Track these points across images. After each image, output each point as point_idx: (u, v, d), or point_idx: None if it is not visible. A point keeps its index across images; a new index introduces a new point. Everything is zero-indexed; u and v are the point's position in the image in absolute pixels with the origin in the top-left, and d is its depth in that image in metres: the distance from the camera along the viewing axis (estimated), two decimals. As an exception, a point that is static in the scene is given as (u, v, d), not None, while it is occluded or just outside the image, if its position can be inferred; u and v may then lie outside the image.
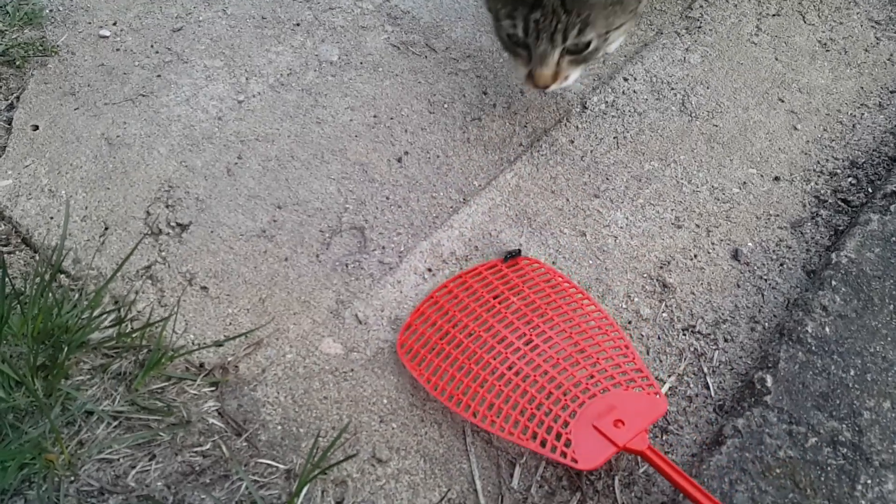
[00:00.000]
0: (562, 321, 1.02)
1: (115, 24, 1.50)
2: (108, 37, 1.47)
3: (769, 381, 0.94)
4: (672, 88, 1.35)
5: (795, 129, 1.30)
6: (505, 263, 1.10)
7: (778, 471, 0.87)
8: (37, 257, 1.11)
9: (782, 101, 1.34)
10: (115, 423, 0.91)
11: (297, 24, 1.50)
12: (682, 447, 0.93)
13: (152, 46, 1.46)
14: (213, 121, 1.32)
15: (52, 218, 1.17)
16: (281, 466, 0.91)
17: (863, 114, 1.32)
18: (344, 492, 0.90)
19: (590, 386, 0.94)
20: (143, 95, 1.36)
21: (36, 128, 1.30)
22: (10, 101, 1.34)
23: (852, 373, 0.95)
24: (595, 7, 1.08)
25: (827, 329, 0.99)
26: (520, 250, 1.11)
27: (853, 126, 1.30)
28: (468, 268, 1.11)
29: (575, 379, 0.95)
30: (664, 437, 0.94)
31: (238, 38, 1.47)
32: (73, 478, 0.85)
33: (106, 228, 1.16)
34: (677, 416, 0.96)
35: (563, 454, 0.86)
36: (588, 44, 1.12)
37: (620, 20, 1.14)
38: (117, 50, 1.45)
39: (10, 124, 1.30)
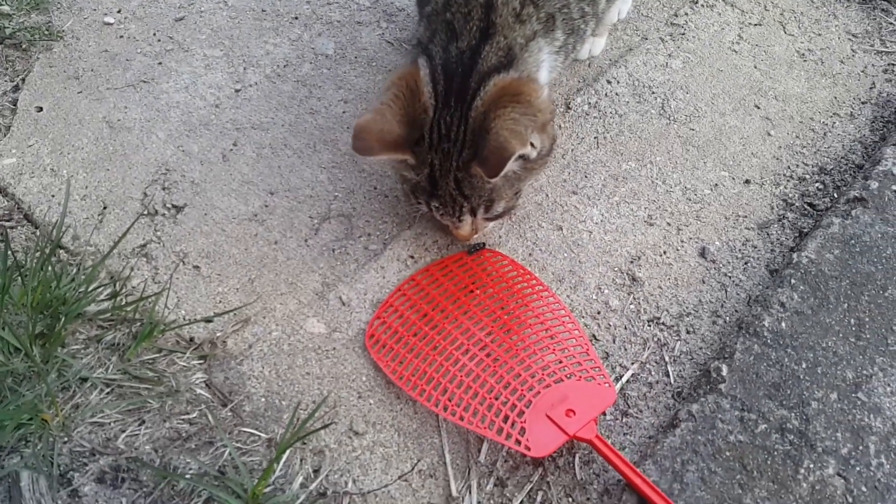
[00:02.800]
0: (522, 313, 1.08)
1: (119, 11, 1.55)
2: (112, 24, 1.53)
3: (724, 370, 1.00)
4: (653, 92, 1.41)
5: (769, 134, 1.35)
6: (470, 256, 1.15)
7: (728, 454, 0.93)
8: (38, 233, 1.17)
9: (758, 108, 1.40)
10: (108, 390, 0.97)
11: (296, 18, 1.55)
12: (641, 430, 0.99)
13: (155, 34, 1.51)
14: (210, 108, 1.38)
15: (53, 196, 1.22)
16: (263, 435, 0.97)
17: (834, 122, 1.38)
18: (321, 461, 0.95)
19: (545, 376, 1.00)
20: (145, 82, 1.42)
21: (40, 109, 1.36)
22: (15, 83, 1.40)
23: (804, 365, 1.01)
24: (496, 188, 1.04)
25: (783, 324, 1.05)
26: (484, 243, 1.17)
27: (824, 134, 1.36)
28: (435, 260, 1.17)
29: (532, 369, 1.01)
30: (624, 420, 1.00)
31: (238, 28, 1.53)
32: (66, 438, 0.91)
33: (104, 207, 1.22)
34: (638, 400, 1.02)
35: (518, 442, 0.92)
36: (500, 212, 1.09)
37: (529, 176, 1.10)
38: (121, 37, 1.50)
39: (15, 105, 1.36)
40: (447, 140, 1.02)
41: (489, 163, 0.97)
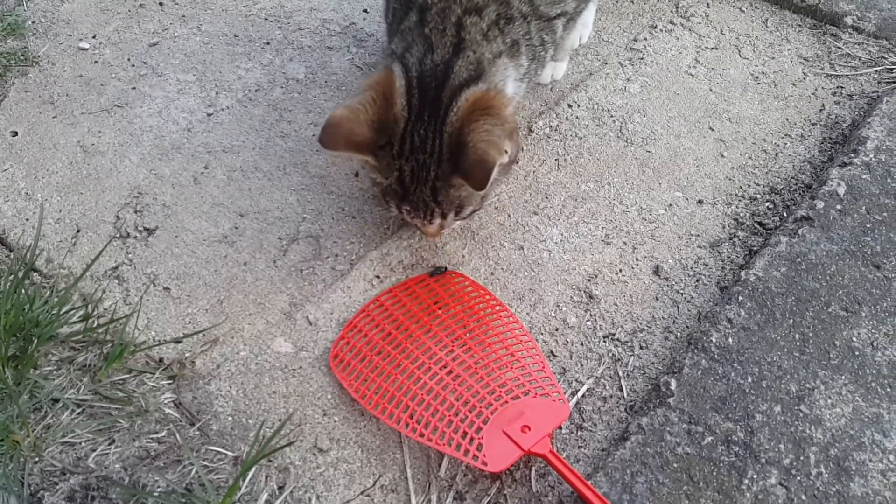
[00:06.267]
0: (481, 333, 1.12)
1: (94, 37, 1.59)
2: (87, 49, 1.56)
3: (673, 384, 1.04)
4: (612, 116, 1.46)
5: (722, 156, 1.41)
6: (432, 278, 1.19)
7: (675, 465, 0.97)
8: (11, 256, 1.20)
9: (712, 130, 1.45)
10: (79, 410, 1.00)
11: (267, 43, 1.60)
12: (594, 442, 1.03)
13: (129, 60, 1.55)
14: (182, 132, 1.41)
15: (27, 220, 1.25)
16: (229, 453, 1.00)
17: (786, 143, 1.44)
18: (286, 478, 0.99)
19: (503, 394, 1.04)
20: (119, 106, 1.45)
21: (15, 134, 1.39)
22: (-10, 109, 1.43)
23: (749, 379, 1.05)
24: (467, 196, 1.10)
25: (730, 340, 1.10)
26: (445, 267, 1.21)
27: (776, 155, 1.42)
28: (398, 282, 1.20)
29: (490, 387, 1.05)
30: (579, 433, 1.04)
31: (210, 54, 1.57)
32: (37, 458, 0.94)
33: (78, 231, 1.25)
34: (592, 414, 1.06)
35: (475, 457, 0.96)
36: (468, 215, 1.15)
37: (497, 181, 1.12)
38: (95, 62, 1.54)
39: (-10, 130, 1.39)
40: (422, 151, 1.06)
41: (474, 176, 1.02)
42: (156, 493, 0.93)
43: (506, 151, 1.03)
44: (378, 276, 1.21)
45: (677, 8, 1.70)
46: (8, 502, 0.89)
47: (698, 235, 1.28)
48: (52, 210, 1.27)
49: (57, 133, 1.40)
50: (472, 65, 1.10)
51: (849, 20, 1.65)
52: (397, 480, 1.00)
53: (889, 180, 1.30)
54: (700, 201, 1.33)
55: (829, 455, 0.98)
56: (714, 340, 1.09)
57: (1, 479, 0.91)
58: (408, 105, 1.07)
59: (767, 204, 1.33)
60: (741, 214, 1.31)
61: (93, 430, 0.99)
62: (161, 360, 1.09)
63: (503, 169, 1.12)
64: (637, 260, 1.24)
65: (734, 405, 1.03)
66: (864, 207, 1.25)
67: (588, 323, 1.16)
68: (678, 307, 1.18)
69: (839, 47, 1.61)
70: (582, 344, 1.14)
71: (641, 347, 1.13)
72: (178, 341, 1.11)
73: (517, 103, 1.27)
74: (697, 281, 1.21)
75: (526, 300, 1.19)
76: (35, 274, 1.18)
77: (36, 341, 1.03)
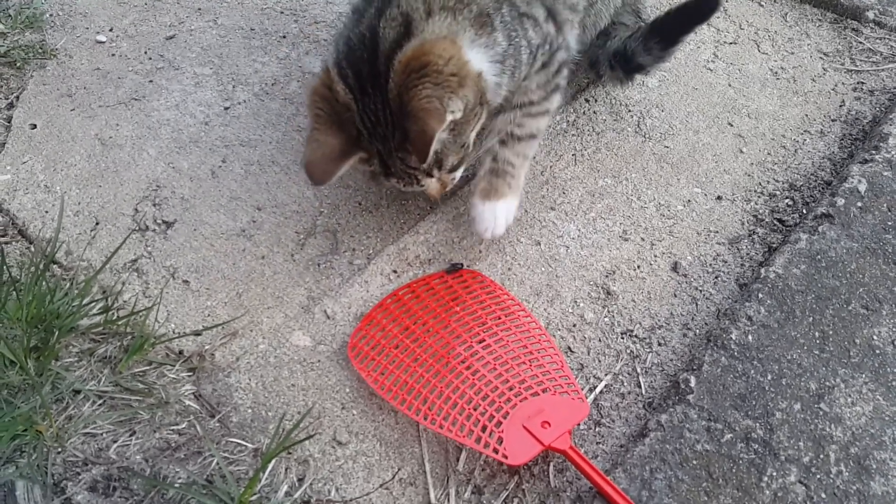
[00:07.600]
0: (500, 329, 1.12)
1: (111, 30, 1.59)
2: (104, 42, 1.57)
3: (693, 381, 1.04)
4: (629, 110, 1.45)
5: (741, 151, 1.40)
6: (449, 275, 1.19)
7: (695, 462, 0.97)
8: (32, 248, 1.21)
9: (731, 126, 1.44)
10: (100, 402, 1.01)
11: (284, 37, 1.60)
12: (613, 438, 1.03)
13: (146, 53, 1.55)
14: (200, 125, 1.42)
15: (46, 212, 1.26)
16: (249, 445, 1.00)
17: (805, 140, 1.43)
18: (305, 470, 0.99)
19: (522, 390, 1.04)
20: (136, 99, 1.46)
21: (34, 126, 1.40)
22: (10, 101, 1.43)
23: (769, 377, 1.05)
24: (438, 151, 1.05)
25: (750, 337, 1.09)
26: (462, 264, 1.21)
27: (795, 151, 1.41)
28: (415, 277, 1.20)
29: (509, 383, 1.05)
30: (597, 429, 1.04)
31: (227, 47, 1.57)
32: (60, 449, 0.95)
33: (97, 223, 1.25)
34: (610, 410, 1.06)
35: (496, 450, 0.96)
36: (455, 164, 1.11)
37: (469, 127, 1.07)
38: (113, 55, 1.54)
39: (9, 122, 1.39)
40: (380, 125, 1.04)
41: (415, 148, 1.00)
42: (177, 485, 0.94)
43: (452, 112, 0.98)
44: (395, 271, 1.21)
45: (695, 2, 1.69)
46: (32, 491, 0.90)
47: (717, 232, 1.27)
48: (72, 203, 1.28)
49: (75, 126, 1.41)
50: (396, 21, 1.01)
51: (871, 14, 1.64)
52: (416, 474, 1.00)
53: (910, 177, 1.29)
54: (719, 197, 1.32)
55: (850, 453, 0.98)
56: (734, 338, 1.09)
57: (25, 469, 0.91)
58: (346, 86, 1.03)
59: (787, 201, 1.32)
60: (760, 211, 1.30)
61: (114, 421, 0.99)
62: (181, 352, 1.09)
63: (466, 119, 1.03)
64: (655, 256, 1.24)
65: (754, 402, 1.02)
66: (885, 205, 1.25)
67: (606, 319, 1.16)
68: (697, 304, 1.18)
69: (860, 42, 1.60)
70: (600, 340, 1.14)
71: (660, 344, 1.13)
72: (197, 334, 1.11)
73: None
74: (716, 278, 1.21)
75: (543, 296, 1.19)
76: (55, 266, 1.18)
77: (57, 333, 1.04)
